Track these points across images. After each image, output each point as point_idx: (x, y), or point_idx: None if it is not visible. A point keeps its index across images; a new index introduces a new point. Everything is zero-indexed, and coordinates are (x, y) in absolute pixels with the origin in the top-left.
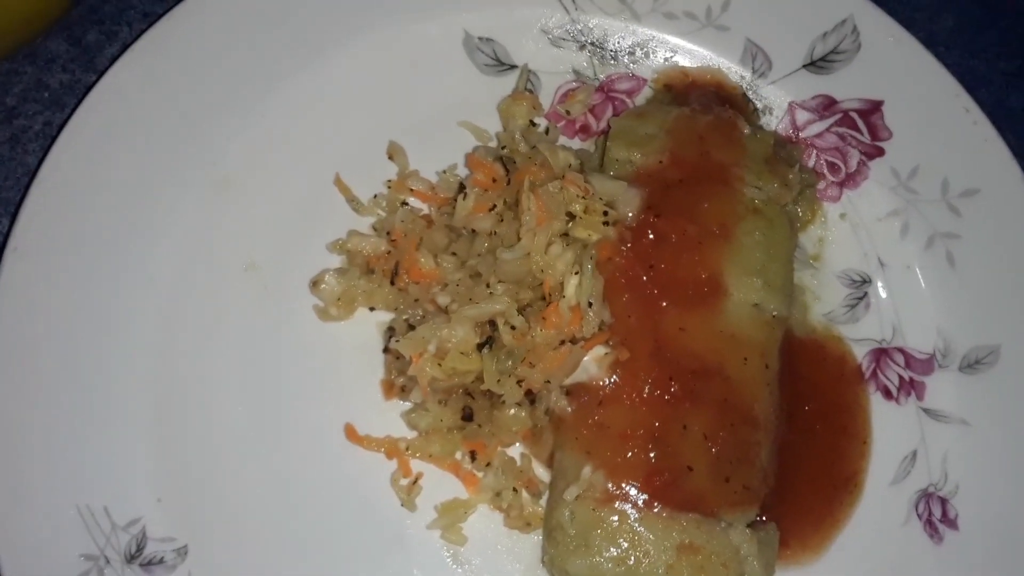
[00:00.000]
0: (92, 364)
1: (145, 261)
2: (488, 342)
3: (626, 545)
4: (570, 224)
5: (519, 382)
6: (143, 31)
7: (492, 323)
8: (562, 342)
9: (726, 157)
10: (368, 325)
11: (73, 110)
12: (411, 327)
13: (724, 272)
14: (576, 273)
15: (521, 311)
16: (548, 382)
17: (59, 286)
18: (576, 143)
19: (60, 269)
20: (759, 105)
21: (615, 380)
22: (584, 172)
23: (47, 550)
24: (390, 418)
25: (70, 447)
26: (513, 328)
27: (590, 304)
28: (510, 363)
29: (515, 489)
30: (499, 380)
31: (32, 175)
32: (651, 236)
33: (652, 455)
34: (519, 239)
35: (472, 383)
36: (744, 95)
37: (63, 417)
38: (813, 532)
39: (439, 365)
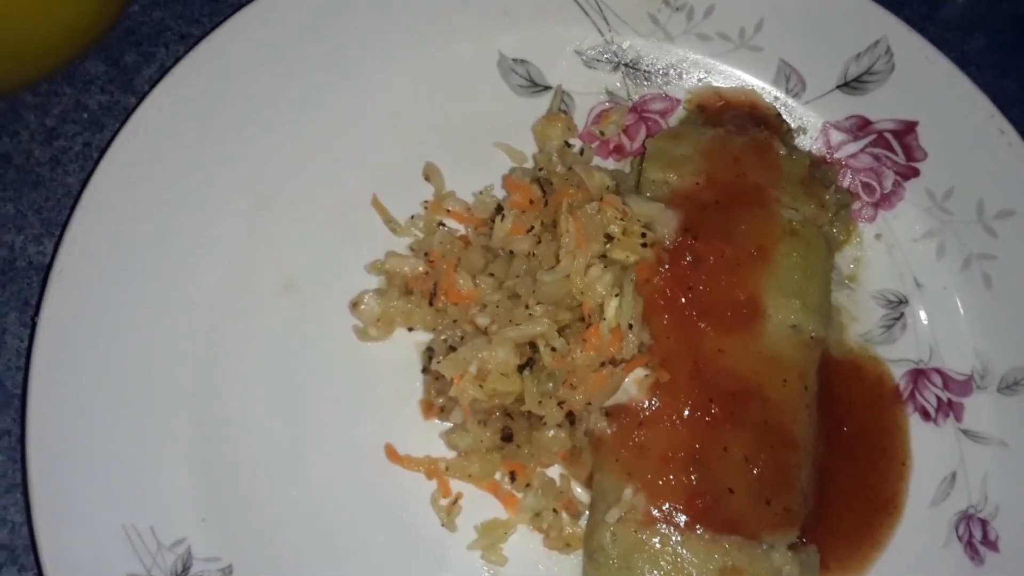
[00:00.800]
0: (135, 385)
1: (186, 282)
2: (529, 364)
3: (669, 567)
4: (608, 246)
5: (560, 404)
6: (181, 53)
7: (532, 345)
8: (602, 364)
9: (762, 178)
10: (406, 345)
11: (115, 133)
12: (451, 348)
13: (762, 293)
14: (616, 295)
15: (560, 333)
16: (588, 404)
17: (102, 308)
18: (610, 163)
19: (103, 291)
20: (793, 125)
21: (655, 402)
22: (620, 193)
23: (94, 569)
24: (429, 438)
25: (115, 468)
26: (554, 350)
27: (630, 326)
28: (551, 385)
29: (555, 510)
30: (540, 402)
31: (75, 197)
32: (689, 258)
33: (693, 477)
34: (557, 261)
35: (512, 404)
36: (779, 115)
37: (107, 438)
38: (853, 554)
39: (480, 386)
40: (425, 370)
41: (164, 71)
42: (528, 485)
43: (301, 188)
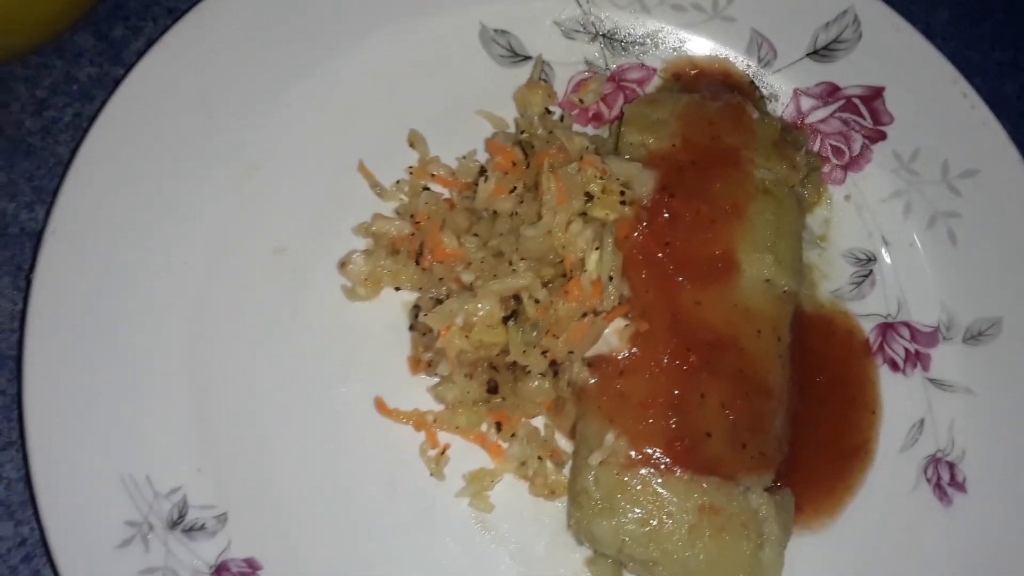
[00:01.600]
0: (130, 342)
1: (178, 244)
2: (513, 315)
3: (649, 507)
4: (588, 204)
5: (543, 353)
6: (168, 26)
7: (516, 297)
8: (584, 314)
9: (736, 140)
10: (393, 305)
11: (103, 102)
12: (437, 303)
13: (736, 249)
14: (596, 248)
15: (544, 286)
16: (571, 353)
17: (97, 267)
18: (590, 131)
19: (96, 250)
20: (765, 93)
21: (635, 352)
22: (600, 155)
23: (92, 517)
24: (417, 393)
25: (111, 421)
26: (537, 301)
27: (610, 278)
28: (535, 334)
29: (540, 458)
30: (524, 351)
31: (65, 164)
32: (666, 215)
33: (672, 421)
34: (540, 219)
35: (497, 356)
36: (751, 82)
37: (103, 392)
38: (826, 497)
39: (466, 338)
40: (412, 327)
41: (151, 42)
42: (513, 435)
43: (288, 155)
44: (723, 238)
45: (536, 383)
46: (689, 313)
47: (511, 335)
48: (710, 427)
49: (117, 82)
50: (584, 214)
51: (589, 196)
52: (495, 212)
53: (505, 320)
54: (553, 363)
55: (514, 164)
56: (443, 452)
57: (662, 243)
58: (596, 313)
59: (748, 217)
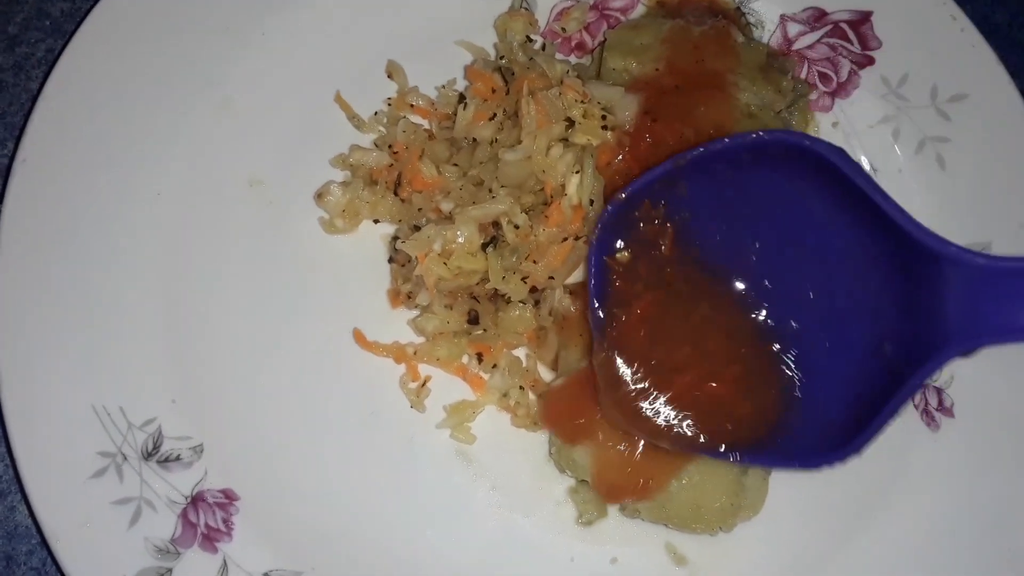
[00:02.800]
0: (102, 272)
1: (151, 175)
2: (492, 241)
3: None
4: (569, 130)
5: (524, 279)
6: None
7: (496, 224)
8: (564, 239)
9: (721, 64)
10: (372, 239)
11: (72, 32)
12: (417, 231)
13: None
14: (577, 173)
15: (524, 212)
16: (552, 279)
17: (68, 197)
18: (572, 61)
19: (67, 181)
20: (752, 20)
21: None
22: (582, 80)
23: (64, 448)
24: (397, 327)
25: (84, 351)
26: (517, 227)
27: (591, 202)
28: (515, 260)
29: (521, 388)
30: (504, 277)
31: (35, 96)
32: (649, 140)
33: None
34: (520, 144)
35: (477, 286)
36: (738, 7)
37: (76, 323)
38: None
39: (445, 264)
40: (391, 259)
41: None
42: (495, 366)
43: (264, 86)
44: None
45: (517, 312)
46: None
47: (490, 261)
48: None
49: (87, 12)
50: (565, 140)
51: (570, 121)
52: (475, 140)
53: (484, 246)
54: (534, 291)
55: (494, 91)
56: (424, 384)
57: (644, 168)
58: (577, 238)
59: None
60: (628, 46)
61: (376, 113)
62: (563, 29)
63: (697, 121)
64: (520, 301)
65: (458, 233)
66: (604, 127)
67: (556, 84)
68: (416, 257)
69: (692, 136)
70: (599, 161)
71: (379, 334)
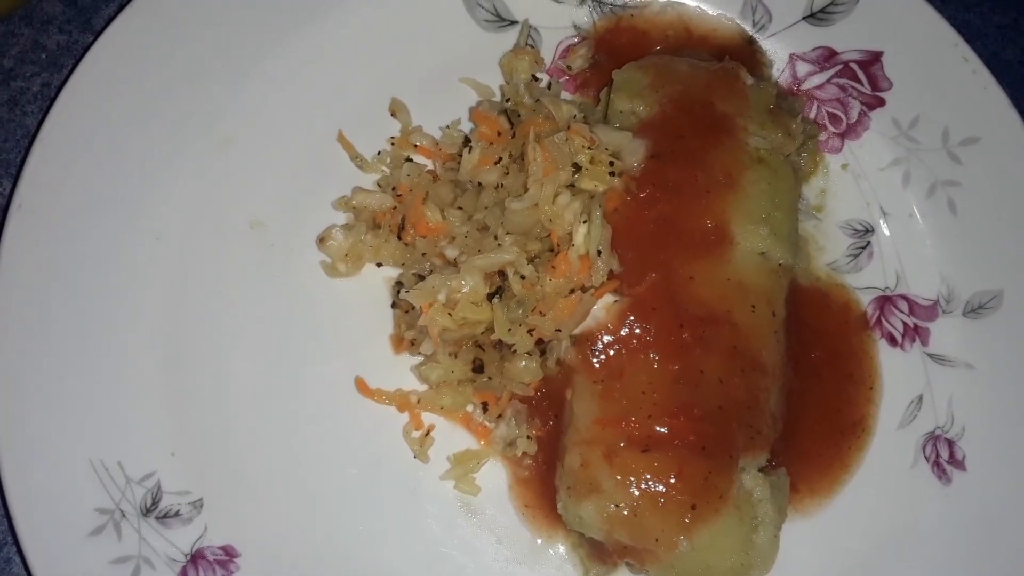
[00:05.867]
0: (101, 320)
1: (150, 219)
2: (498, 292)
3: (638, 489)
4: (576, 176)
5: (530, 331)
6: None
7: (502, 273)
8: (572, 291)
9: (729, 107)
10: (376, 282)
11: (71, 70)
12: (420, 279)
13: (730, 221)
14: (585, 222)
15: (530, 261)
16: (558, 331)
17: (65, 243)
18: (578, 101)
19: (65, 227)
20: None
21: (626, 329)
22: (588, 124)
23: (61, 505)
24: (400, 373)
25: (82, 403)
26: (523, 277)
27: (599, 252)
28: (520, 312)
29: (528, 437)
30: (510, 329)
31: (32, 136)
32: (657, 186)
33: (664, 400)
34: (526, 191)
35: (482, 335)
36: (750, 40)
37: (74, 374)
38: (822, 477)
39: (449, 315)
40: (394, 304)
41: (121, 7)
42: (500, 416)
43: (265, 126)
44: (716, 209)
45: (524, 362)
46: (681, 288)
47: (496, 312)
48: (703, 405)
49: (85, 49)
50: (572, 185)
51: (577, 167)
52: (480, 184)
53: (490, 297)
54: (540, 341)
55: (499, 134)
56: (427, 433)
57: (653, 215)
58: (584, 289)
59: (742, 187)
60: (635, 87)
61: (379, 153)
62: (568, 67)
63: (706, 166)
64: (526, 352)
65: (463, 283)
66: (611, 173)
67: (563, 127)
68: (420, 307)
69: (701, 183)
70: (606, 207)
71: (382, 380)
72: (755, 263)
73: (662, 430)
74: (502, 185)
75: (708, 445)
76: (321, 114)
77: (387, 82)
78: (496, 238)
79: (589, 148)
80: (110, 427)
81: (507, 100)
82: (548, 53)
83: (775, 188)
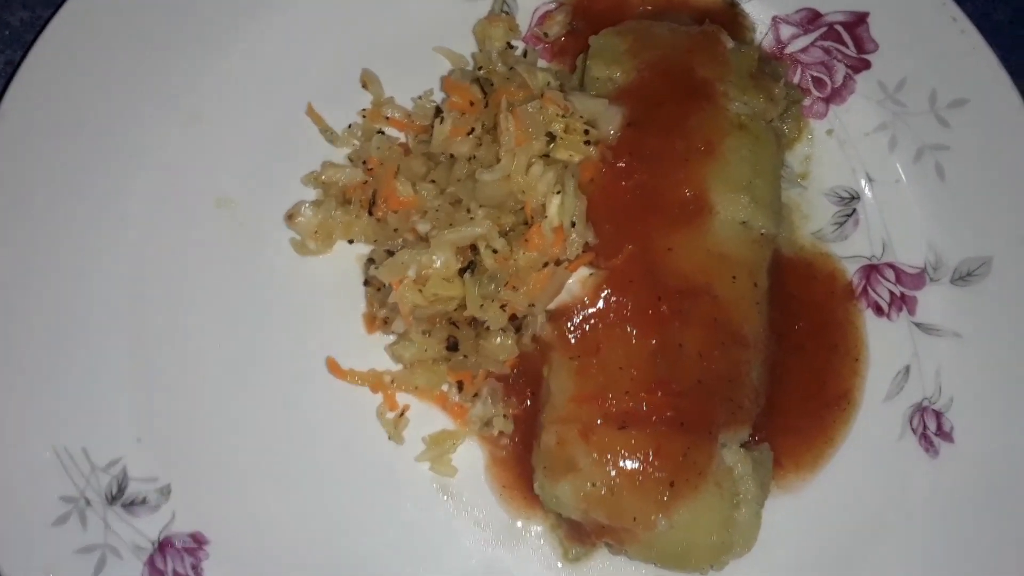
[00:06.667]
0: (65, 302)
1: (116, 198)
2: (470, 266)
3: (615, 466)
4: (551, 145)
5: (503, 306)
6: None
7: (474, 247)
8: (545, 264)
9: (709, 72)
10: (348, 259)
11: (30, 45)
12: (391, 255)
13: (710, 189)
14: (558, 193)
15: (503, 234)
16: (532, 306)
17: (27, 223)
18: (554, 69)
19: (27, 206)
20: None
21: (602, 303)
22: (564, 91)
23: (24, 493)
24: (374, 353)
25: (44, 388)
26: (495, 251)
27: (573, 224)
28: (493, 287)
29: (505, 416)
30: (482, 305)
31: None
32: (634, 155)
33: (643, 375)
34: (499, 162)
35: (455, 311)
36: (733, 3)
37: (37, 358)
38: (807, 451)
39: (420, 291)
40: (367, 282)
41: None
42: (476, 395)
43: (233, 100)
44: (696, 178)
45: (498, 339)
46: (660, 259)
47: (468, 288)
48: (682, 380)
49: (45, 23)
50: (547, 155)
51: (551, 136)
52: (452, 156)
53: (462, 272)
54: (514, 317)
55: (472, 104)
56: (402, 414)
57: (630, 184)
58: (558, 262)
59: (722, 154)
60: (612, 53)
61: (350, 126)
62: (545, 34)
63: (685, 133)
64: (500, 328)
65: (434, 258)
66: (587, 142)
67: (537, 96)
68: (390, 283)
69: (679, 149)
70: (582, 177)
71: (355, 360)
72: (736, 232)
73: (639, 406)
74: (475, 157)
75: (686, 420)
76: (291, 87)
77: (358, 53)
78: (468, 211)
79: (563, 116)
80: (74, 413)
81: (479, 68)
82: (524, 20)
83: (756, 155)
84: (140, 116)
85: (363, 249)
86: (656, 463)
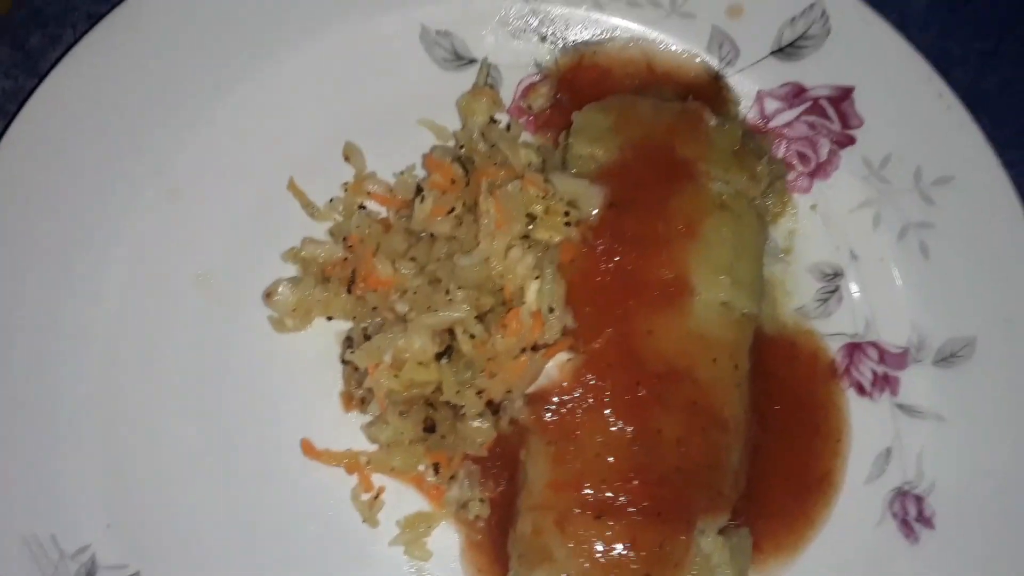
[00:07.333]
0: (36, 385)
1: (91, 275)
2: (447, 351)
3: (592, 555)
4: (531, 227)
5: (479, 393)
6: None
7: (452, 331)
8: (523, 350)
9: (691, 152)
10: (327, 335)
11: (13, 116)
12: (367, 337)
13: (691, 271)
14: (537, 278)
15: (482, 318)
16: (510, 392)
17: (2, 300)
18: (536, 144)
19: (4, 282)
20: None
21: (580, 387)
22: (546, 170)
23: None
24: (351, 431)
25: (13, 475)
26: (472, 337)
27: (551, 310)
28: (469, 374)
29: (481, 500)
30: (458, 391)
31: None
32: (614, 237)
33: (620, 462)
34: (478, 243)
35: (433, 393)
36: (716, 76)
37: (5, 444)
38: (787, 534)
39: (396, 376)
40: (344, 360)
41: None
42: (452, 477)
43: (214, 173)
44: (676, 259)
45: (476, 423)
46: (639, 342)
47: (444, 374)
48: (660, 467)
49: (28, 95)
50: (527, 237)
51: (532, 217)
52: (432, 235)
53: (439, 357)
54: (491, 401)
55: (453, 181)
56: (377, 496)
57: (610, 267)
58: (536, 348)
59: (703, 235)
60: (595, 130)
61: (332, 200)
62: (529, 107)
63: (666, 214)
64: (477, 413)
65: (410, 343)
66: (568, 223)
67: (520, 174)
68: (366, 367)
69: (660, 231)
70: (562, 258)
71: (332, 439)
72: (717, 314)
73: (616, 495)
74: (455, 236)
75: (664, 510)
76: (273, 161)
77: (342, 125)
78: (447, 292)
79: (544, 198)
80: (43, 500)
81: (460, 146)
82: (509, 92)
83: (738, 235)
84: (120, 192)
85: (342, 326)
86: (632, 554)
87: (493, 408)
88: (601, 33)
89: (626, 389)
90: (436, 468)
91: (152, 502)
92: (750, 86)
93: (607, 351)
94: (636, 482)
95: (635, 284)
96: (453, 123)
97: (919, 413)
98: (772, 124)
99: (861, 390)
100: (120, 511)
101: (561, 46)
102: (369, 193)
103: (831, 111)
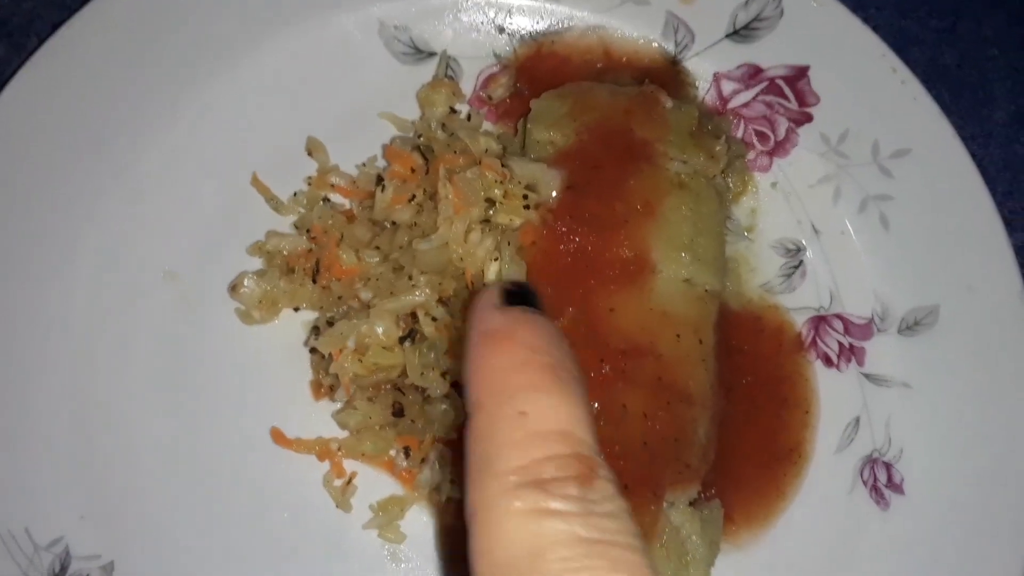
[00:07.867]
0: (5, 380)
1: (58, 274)
2: (411, 335)
3: None
4: (491, 211)
5: (443, 374)
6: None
7: (414, 315)
8: None
9: (648, 133)
10: (295, 326)
11: None
12: (332, 325)
13: (651, 249)
14: (495, 260)
15: (445, 302)
16: None
17: None
18: (497, 132)
19: None
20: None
21: None
22: (505, 156)
23: None
24: (322, 420)
25: None
26: (434, 319)
27: None
28: (433, 356)
29: (452, 481)
30: (422, 374)
31: None
32: (574, 218)
33: None
34: (438, 229)
35: (400, 378)
36: (674, 61)
37: None
38: (758, 506)
39: (360, 361)
40: (312, 349)
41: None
42: (423, 460)
43: (178, 172)
44: (636, 238)
45: (444, 405)
46: (601, 321)
47: (407, 357)
48: (626, 442)
49: None
50: (487, 221)
51: (492, 202)
52: (395, 223)
53: (403, 340)
54: (457, 384)
55: (413, 171)
56: (349, 481)
57: (570, 247)
58: None
59: (662, 214)
60: (552, 116)
61: (296, 194)
62: (489, 97)
63: (625, 195)
64: (444, 395)
65: (374, 328)
66: (526, 206)
67: (478, 161)
68: (330, 354)
69: (619, 211)
70: (523, 241)
71: (303, 428)
72: (679, 290)
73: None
74: (416, 224)
75: (631, 483)
76: (236, 158)
77: (304, 121)
78: (410, 278)
79: (502, 182)
80: (15, 493)
81: (419, 136)
82: (469, 83)
83: (697, 213)
84: (84, 191)
85: (310, 316)
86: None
87: (460, 391)
88: (558, 23)
89: (590, 366)
90: (407, 452)
91: (125, 493)
92: (707, 69)
93: (570, 330)
94: (602, 456)
95: (596, 264)
96: (414, 116)
97: (886, 382)
98: (730, 105)
99: (828, 361)
100: (93, 502)
101: (519, 37)
102: (332, 186)
103: (787, 90)
